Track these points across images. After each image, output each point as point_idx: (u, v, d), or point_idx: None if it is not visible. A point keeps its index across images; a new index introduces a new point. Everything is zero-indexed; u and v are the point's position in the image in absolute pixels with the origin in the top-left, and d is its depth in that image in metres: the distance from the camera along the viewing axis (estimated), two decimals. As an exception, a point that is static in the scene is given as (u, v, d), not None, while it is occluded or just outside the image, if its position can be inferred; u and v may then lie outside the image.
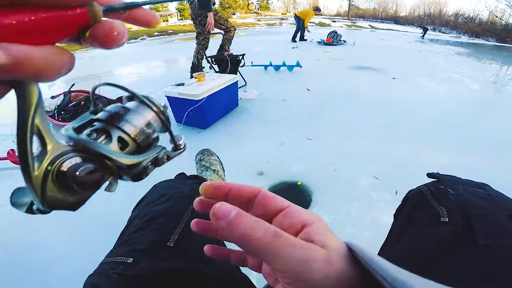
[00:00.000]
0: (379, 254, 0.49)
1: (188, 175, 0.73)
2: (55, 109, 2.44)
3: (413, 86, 3.29)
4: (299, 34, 7.74)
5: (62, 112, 2.37)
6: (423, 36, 11.27)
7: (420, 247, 0.36)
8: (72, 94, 2.68)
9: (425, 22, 18.60)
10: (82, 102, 2.46)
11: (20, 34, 0.13)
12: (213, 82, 2.11)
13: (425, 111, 2.45)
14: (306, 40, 7.85)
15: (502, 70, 4.82)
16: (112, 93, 2.76)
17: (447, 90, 3.15)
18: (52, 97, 2.61)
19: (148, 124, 0.19)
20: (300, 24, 7.53)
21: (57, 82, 4.97)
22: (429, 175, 0.49)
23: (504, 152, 1.77)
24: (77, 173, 0.15)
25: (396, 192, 1.32)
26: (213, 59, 3.07)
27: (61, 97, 2.62)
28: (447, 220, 0.36)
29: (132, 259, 0.42)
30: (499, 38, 12.06)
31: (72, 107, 2.43)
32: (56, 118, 2.34)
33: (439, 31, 17.44)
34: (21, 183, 0.15)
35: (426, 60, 5.36)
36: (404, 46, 7.68)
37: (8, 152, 1.75)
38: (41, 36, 0.14)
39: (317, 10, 7.55)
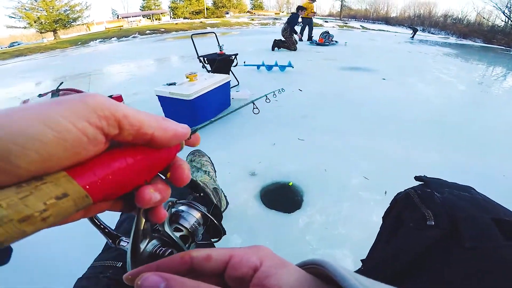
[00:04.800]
0: (368, 256, 0.50)
1: None
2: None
3: (402, 87, 3.35)
4: (305, 32, 7.92)
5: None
6: (412, 37, 11.46)
7: (409, 250, 0.37)
8: (61, 92, 2.62)
9: (415, 23, 18.96)
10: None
11: (139, 172, 0.17)
12: (205, 81, 2.10)
13: (414, 111, 2.50)
14: (302, 40, 7.78)
15: (488, 71, 4.95)
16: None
17: (436, 91, 3.22)
18: (40, 95, 2.55)
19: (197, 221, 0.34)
20: (306, 23, 7.67)
21: (45, 80, 4.86)
22: (417, 178, 0.50)
23: (489, 149, 1.82)
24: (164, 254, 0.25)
25: (386, 193, 1.34)
26: (205, 59, 3.05)
27: (49, 95, 2.55)
28: (433, 224, 0.37)
29: (121, 263, 0.42)
30: (486, 39, 12.36)
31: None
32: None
33: (429, 32, 17.78)
34: None
35: (415, 61, 5.46)
36: (394, 47, 7.80)
37: None
38: (149, 173, 0.17)
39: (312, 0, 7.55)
